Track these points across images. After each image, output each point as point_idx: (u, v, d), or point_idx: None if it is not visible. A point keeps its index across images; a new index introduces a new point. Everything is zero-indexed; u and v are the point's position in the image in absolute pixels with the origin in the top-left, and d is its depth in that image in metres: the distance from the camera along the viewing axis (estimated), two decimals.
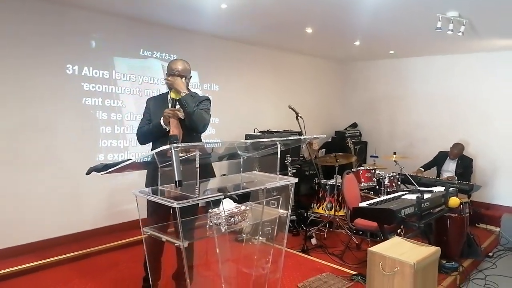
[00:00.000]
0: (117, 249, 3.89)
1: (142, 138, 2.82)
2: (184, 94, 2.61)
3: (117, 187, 4.17)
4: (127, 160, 2.04)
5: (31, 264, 3.38)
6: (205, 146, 2.29)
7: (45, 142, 3.78)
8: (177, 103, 2.64)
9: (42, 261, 3.44)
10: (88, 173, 2.16)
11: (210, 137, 5.21)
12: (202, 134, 2.91)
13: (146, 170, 2.75)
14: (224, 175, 5.27)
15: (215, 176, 2.95)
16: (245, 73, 5.65)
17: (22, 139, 3.63)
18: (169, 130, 2.66)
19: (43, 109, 3.75)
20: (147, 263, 2.94)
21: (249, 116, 5.69)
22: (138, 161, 2.22)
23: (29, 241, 3.69)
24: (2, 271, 3.22)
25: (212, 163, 2.84)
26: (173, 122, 2.64)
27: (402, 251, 2.60)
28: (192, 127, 2.67)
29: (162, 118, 2.65)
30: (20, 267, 3.30)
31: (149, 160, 2.18)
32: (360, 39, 5.09)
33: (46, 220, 3.80)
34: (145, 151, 4.00)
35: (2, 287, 3.09)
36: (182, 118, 2.65)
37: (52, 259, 3.50)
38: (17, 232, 3.61)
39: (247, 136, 5.28)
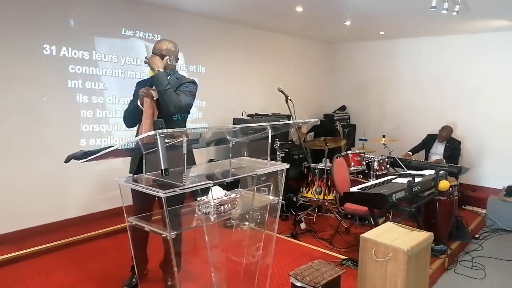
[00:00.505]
0: (102, 237, 3.78)
1: (126, 120, 2.76)
2: (157, 72, 2.49)
3: (102, 172, 4.02)
4: (109, 147, 1.90)
5: (11, 254, 3.25)
6: (192, 131, 2.17)
7: (24, 126, 3.59)
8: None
9: (23, 251, 3.31)
10: (66, 161, 2.02)
11: (197, 120, 5.07)
12: (189, 118, 2.78)
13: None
14: (212, 160, 5.16)
15: (195, 164, 2.83)
16: (233, 55, 5.47)
17: (2, 124, 3.44)
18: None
19: (20, 93, 3.54)
20: (133, 252, 2.85)
21: (237, 99, 5.55)
22: (121, 147, 2.09)
23: (9, 230, 3.54)
24: None
25: (193, 150, 2.73)
26: (146, 102, 2.53)
27: (394, 237, 2.55)
28: (165, 107, 2.53)
29: (138, 99, 2.55)
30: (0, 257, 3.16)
31: (133, 146, 2.05)
32: (351, 19, 4.95)
33: (27, 208, 3.64)
34: (130, 136, 3.86)
35: None
36: (156, 97, 2.53)
37: (34, 248, 3.37)
38: None
39: (235, 120, 5.16)
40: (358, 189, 3.38)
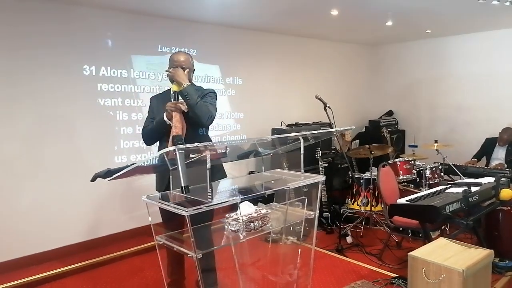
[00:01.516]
0: (140, 254, 3.78)
1: (147, 137, 2.68)
2: (186, 86, 2.43)
3: (137, 189, 4.05)
4: (132, 164, 1.85)
5: (55, 271, 3.33)
6: (217, 146, 2.07)
7: (63, 145, 3.72)
8: (180, 96, 2.47)
9: (65, 268, 3.38)
10: (93, 179, 2.01)
11: (236, 133, 5.01)
12: (220, 132, 2.70)
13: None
14: (252, 172, 5.07)
15: (226, 176, 2.74)
16: (269, 64, 5.38)
17: (39, 143, 3.58)
18: (172, 126, 2.48)
19: (60, 112, 3.68)
20: (168, 268, 2.80)
21: (275, 109, 5.43)
22: (144, 164, 2.04)
23: (52, 248, 3.65)
24: (26, 279, 3.18)
25: (230, 162, 2.63)
26: (175, 116, 2.45)
27: (448, 255, 2.28)
28: (196, 121, 2.48)
29: (164, 113, 2.48)
30: (42, 274, 3.25)
31: (157, 163, 2.00)
32: (392, 18, 4.67)
33: (68, 225, 3.75)
34: None
35: None
36: (185, 110, 2.46)
37: (74, 265, 3.44)
38: (36, 238, 3.57)
39: (274, 131, 5.03)
40: (406, 200, 3.10)
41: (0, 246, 3.36)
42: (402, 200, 3.08)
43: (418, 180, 4.48)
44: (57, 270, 3.34)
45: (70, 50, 3.68)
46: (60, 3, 3.56)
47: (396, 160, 4.52)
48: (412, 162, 4.51)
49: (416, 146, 5.37)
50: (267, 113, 5.30)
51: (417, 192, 3.57)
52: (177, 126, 2.45)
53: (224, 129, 4.89)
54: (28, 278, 3.19)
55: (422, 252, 2.32)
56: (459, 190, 3.11)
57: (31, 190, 3.54)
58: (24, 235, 3.49)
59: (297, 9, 4.10)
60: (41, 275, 3.25)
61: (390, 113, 6.69)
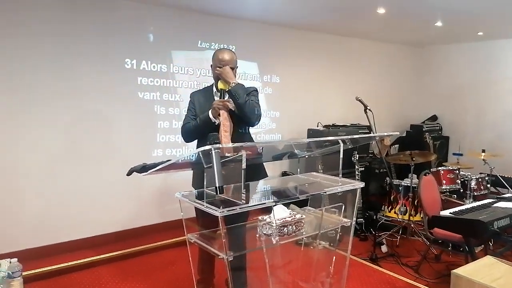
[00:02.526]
0: (172, 248, 3.80)
1: (187, 135, 2.65)
2: (234, 84, 2.39)
3: (173, 183, 4.08)
4: (167, 161, 1.83)
5: (89, 259, 3.41)
6: (254, 146, 2.02)
7: (103, 137, 3.80)
8: (226, 94, 2.44)
9: (97, 257, 3.45)
10: (128, 173, 2.01)
11: (271, 131, 4.94)
12: (254, 130, 2.65)
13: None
14: (285, 172, 4.99)
15: (267, 176, 2.68)
16: (308, 63, 5.25)
17: (80, 134, 3.67)
18: (218, 124, 2.44)
19: (101, 104, 3.76)
20: (198, 265, 2.78)
21: (313, 109, 5.31)
22: (179, 161, 2.02)
23: (87, 236, 3.74)
24: (61, 265, 3.28)
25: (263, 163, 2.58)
26: (223, 114, 2.43)
27: (495, 276, 2.10)
28: (244, 120, 2.46)
29: (210, 111, 2.45)
30: (75, 262, 3.34)
31: (193, 159, 1.97)
32: (442, 19, 4.41)
33: (103, 215, 3.83)
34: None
35: (60, 281, 3.14)
36: (233, 109, 2.43)
37: (106, 255, 3.50)
38: (75, 226, 3.68)
39: (310, 131, 4.91)
40: (450, 213, 2.92)
41: (39, 233, 3.49)
42: (446, 213, 2.90)
43: (462, 191, 4.23)
44: (89, 259, 3.42)
45: (113, 44, 3.75)
46: None
47: (439, 168, 4.28)
48: (457, 171, 4.26)
49: (461, 155, 5.07)
50: (303, 113, 5.19)
51: (461, 204, 3.36)
52: (225, 124, 2.43)
53: (259, 127, 4.83)
54: (62, 265, 3.28)
55: (467, 271, 2.16)
56: (509, 205, 2.89)
57: (71, 180, 3.64)
58: (61, 223, 3.60)
59: (341, 7, 3.96)
60: (74, 262, 3.34)
61: (434, 118, 6.37)
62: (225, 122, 2.44)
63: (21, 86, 3.33)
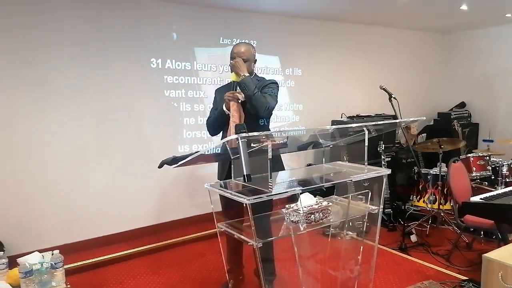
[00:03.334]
0: (201, 240, 3.90)
1: (210, 128, 2.77)
2: (243, 77, 2.45)
3: (199, 177, 4.18)
4: (195, 152, 1.91)
5: (123, 252, 3.55)
6: (279, 135, 2.05)
7: (132, 134, 3.93)
8: (238, 86, 2.51)
9: (132, 250, 3.59)
10: (160, 166, 2.10)
11: (294, 124, 4.96)
12: (278, 124, 2.68)
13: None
14: (310, 164, 5.00)
15: (284, 169, 2.72)
16: (330, 54, 5.23)
17: (109, 131, 3.80)
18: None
19: (129, 102, 3.88)
20: (227, 256, 2.86)
21: (336, 100, 5.28)
22: (206, 152, 2.09)
23: (119, 231, 3.89)
24: (97, 259, 3.43)
25: (289, 153, 2.60)
26: (232, 106, 2.49)
27: None
28: (253, 111, 2.49)
29: (224, 103, 2.53)
30: (111, 255, 3.48)
31: (219, 151, 2.03)
32: (467, 2, 4.30)
33: (132, 210, 3.96)
34: None
35: (98, 273, 3.29)
36: (242, 99, 2.49)
37: (140, 248, 3.63)
38: (106, 221, 3.82)
39: (333, 123, 4.89)
40: (480, 198, 2.86)
41: (73, 228, 3.65)
42: (476, 198, 2.85)
43: (493, 177, 4.13)
44: (124, 252, 3.56)
45: (139, 43, 3.86)
46: None
47: (469, 155, 4.19)
48: (487, 158, 4.16)
49: (492, 141, 4.94)
50: (327, 105, 5.18)
51: (492, 191, 3.27)
52: (234, 115, 2.49)
53: (282, 120, 4.87)
54: (98, 258, 3.43)
55: (499, 255, 2.12)
56: None
57: (103, 176, 3.79)
58: (95, 218, 3.76)
59: None
60: (110, 255, 3.49)
61: (462, 105, 6.20)
62: (234, 113, 2.50)
63: (52, 83, 3.48)
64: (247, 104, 2.49)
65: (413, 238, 3.83)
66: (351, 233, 3.37)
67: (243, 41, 4.33)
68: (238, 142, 1.71)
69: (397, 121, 2.54)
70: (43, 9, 3.38)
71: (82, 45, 3.59)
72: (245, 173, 1.74)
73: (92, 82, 3.67)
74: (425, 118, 2.77)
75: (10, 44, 3.27)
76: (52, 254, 2.40)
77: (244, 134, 1.73)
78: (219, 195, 2.32)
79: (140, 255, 3.59)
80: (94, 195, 3.75)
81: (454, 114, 5.88)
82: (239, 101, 2.51)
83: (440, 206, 4.18)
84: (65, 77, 3.54)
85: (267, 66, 4.67)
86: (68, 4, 3.49)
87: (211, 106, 2.88)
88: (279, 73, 4.80)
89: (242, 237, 2.03)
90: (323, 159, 2.66)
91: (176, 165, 2.05)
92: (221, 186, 2.16)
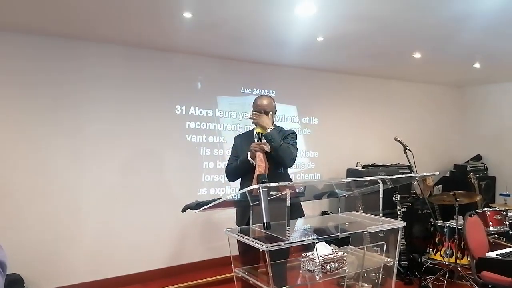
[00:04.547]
0: (216, 285, 3.89)
1: (231, 174, 2.88)
2: (269, 130, 2.61)
3: (216, 221, 4.26)
4: (218, 199, 2.02)
5: None
6: (297, 185, 2.16)
7: (154, 176, 4.09)
8: (263, 137, 2.64)
9: None
10: (183, 210, 2.20)
11: (310, 171, 5.05)
12: (294, 170, 2.79)
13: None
14: (324, 212, 5.03)
15: (304, 215, 2.79)
16: (346, 104, 5.42)
17: (134, 173, 3.98)
18: (255, 165, 2.63)
19: (153, 146, 4.09)
20: None
21: (352, 149, 5.38)
22: (229, 199, 2.19)
23: (136, 271, 3.94)
24: None
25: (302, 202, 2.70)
26: (259, 156, 2.63)
27: None
28: (280, 161, 2.63)
29: (248, 153, 2.66)
30: None
31: (239, 198, 2.14)
32: (480, 61, 4.47)
33: (150, 251, 4.04)
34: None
35: None
36: (268, 151, 2.63)
37: None
38: (126, 261, 3.90)
39: (349, 171, 4.97)
40: (497, 254, 2.85)
41: (93, 266, 3.74)
42: (493, 254, 2.84)
43: (510, 233, 4.07)
44: None
45: (166, 91, 4.14)
46: (161, 50, 4.06)
47: (486, 209, 4.17)
48: (504, 212, 4.13)
49: (509, 195, 4.92)
50: (342, 153, 5.28)
51: (510, 246, 3.24)
52: (260, 165, 2.61)
53: (298, 167, 4.97)
54: None
55: None
56: None
57: (124, 216, 3.92)
58: (114, 257, 3.84)
59: (378, 52, 4.14)
60: None
61: (478, 157, 6.22)
62: (260, 163, 2.63)
63: (89, 131, 3.75)
64: (273, 154, 2.63)
65: None
66: (366, 285, 3.33)
67: (263, 91, 4.63)
68: (260, 191, 1.82)
69: (411, 175, 2.63)
70: (83, 64, 3.70)
71: (118, 91, 3.88)
72: (265, 221, 1.83)
73: (122, 126, 3.92)
74: (438, 173, 2.84)
75: (52, 88, 3.57)
76: None
77: (265, 184, 1.84)
78: (237, 240, 2.39)
79: None
80: (115, 234, 3.87)
81: (470, 167, 5.89)
82: (264, 152, 2.64)
83: (457, 260, 4.11)
84: (101, 121, 3.80)
85: (284, 114, 4.86)
86: (106, 57, 3.82)
87: (230, 152, 3.01)
88: (296, 121, 4.97)
89: (259, 283, 2.08)
90: (339, 208, 2.72)
91: (198, 210, 2.16)
92: (239, 232, 2.24)
